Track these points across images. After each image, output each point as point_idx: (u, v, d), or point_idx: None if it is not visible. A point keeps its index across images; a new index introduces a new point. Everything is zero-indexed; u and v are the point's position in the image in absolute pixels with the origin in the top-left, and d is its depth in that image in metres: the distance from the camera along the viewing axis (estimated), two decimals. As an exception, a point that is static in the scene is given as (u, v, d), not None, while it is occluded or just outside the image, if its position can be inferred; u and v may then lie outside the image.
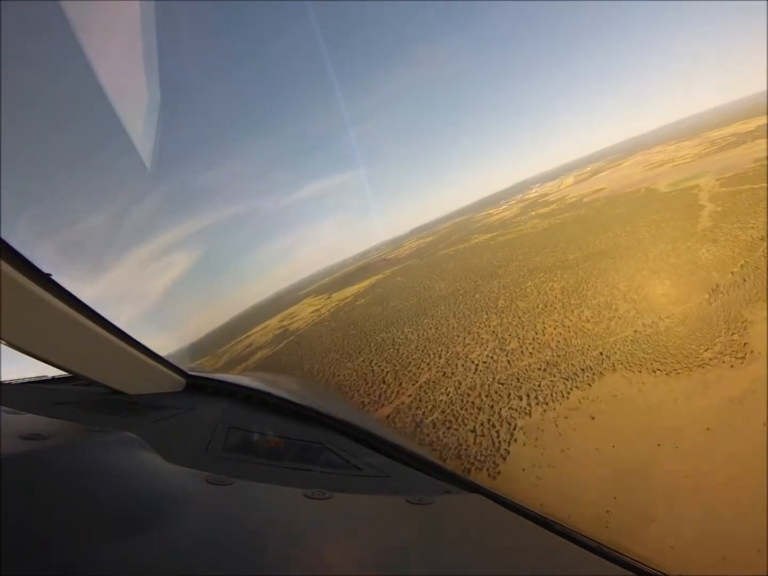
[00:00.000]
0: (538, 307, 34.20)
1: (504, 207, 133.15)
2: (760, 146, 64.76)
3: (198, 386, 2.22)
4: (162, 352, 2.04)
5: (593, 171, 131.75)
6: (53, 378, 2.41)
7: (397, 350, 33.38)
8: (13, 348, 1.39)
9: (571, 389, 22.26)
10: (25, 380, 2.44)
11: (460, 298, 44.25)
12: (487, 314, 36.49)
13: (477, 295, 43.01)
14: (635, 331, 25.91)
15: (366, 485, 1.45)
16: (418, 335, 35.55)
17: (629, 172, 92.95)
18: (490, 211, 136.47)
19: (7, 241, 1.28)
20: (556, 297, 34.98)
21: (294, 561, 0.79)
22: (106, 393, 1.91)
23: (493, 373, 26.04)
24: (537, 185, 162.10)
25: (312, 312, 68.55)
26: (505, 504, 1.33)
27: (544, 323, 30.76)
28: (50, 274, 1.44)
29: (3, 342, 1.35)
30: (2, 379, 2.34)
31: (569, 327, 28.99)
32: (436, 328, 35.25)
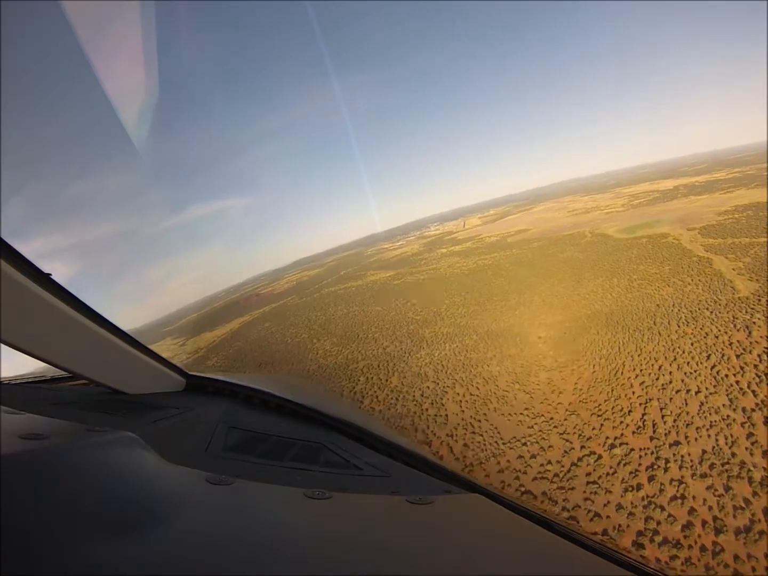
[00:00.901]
0: (565, 428, 14.98)
1: (401, 242, 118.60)
2: (703, 201, 58.77)
3: (198, 386, 2.18)
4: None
5: (499, 214, 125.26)
6: (53, 378, 2.36)
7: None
8: (13, 348, 1.38)
9: None
10: (25, 380, 2.40)
11: (373, 379, 23.67)
12: (435, 434, 16.29)
13: (404, 392, 22.64)
14: None
15: (366, 485, 1.43)
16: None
17: (548, 216, 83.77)
18: (385, 246, 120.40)
19: (7, 241, 1.28)
20: (599, 405, 16.23)
21: (294, 561, 0.78)
22: (106, 393, 1.88)
23: None
24: (435, 224, 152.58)
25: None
26: (505, 504, 1.32)
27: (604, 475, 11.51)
28: (50, 274, 1.41)
29: (3, 342, 1.33)
30: (2, 379, 2.37)
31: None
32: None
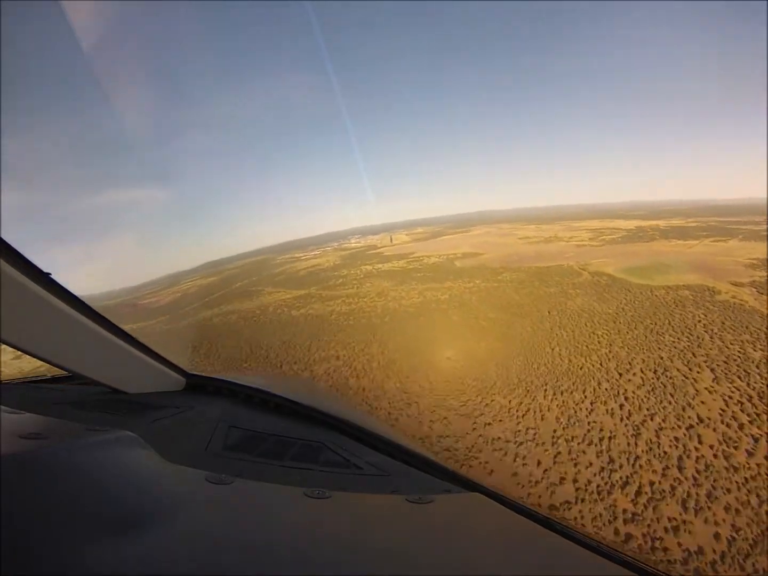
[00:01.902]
0: None
1: (316, 252, 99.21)
2: (699, 248, 47.12)
3: (198, 385, 2.13)
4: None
5: (430, 233, 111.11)
6: (53, 377, 2.30)
7: None
8: (13, 348, 1.37)
9: None
10: (25, 380, 2.39)
11: None
12: None
13: None
14: None
15: (366, 484, 1.41)
16: None
17: (495, 241, 69.72)
18: (297, 255, 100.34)
19: (7, 241, 1.27)
20: None
21: (294, 560, 0.77)
22: (106, 392, 1.85)
23: None
24: (356, 236, 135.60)
25: None
26: (505, 503, 1.29)
27: None
28: (50, 274, 1.40)
29: (3, 342, 1.31)
30: (2, 379, 2.36)
31: None
32: None
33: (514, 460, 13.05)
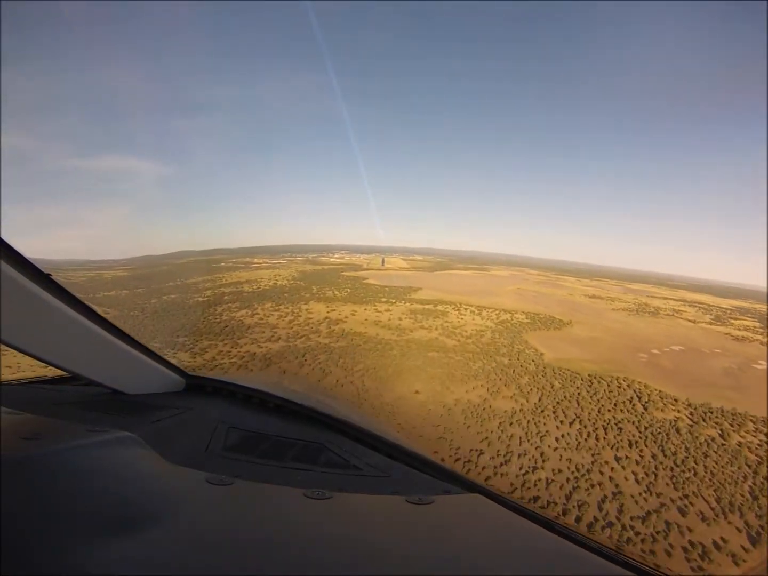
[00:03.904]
0: None
1: (277, 261, 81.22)
2: None
3: (198, 386, 2.09)
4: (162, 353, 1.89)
5: (434, 264, 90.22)
6: (53, 378, 2.22)
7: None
8: (13, 348, 1.33)
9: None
10: (25, 380, 2.27)
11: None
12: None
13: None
14: None
15: (366, 485, 1.37)
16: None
17: (551, 294, 49.42)
18: (255, 261, 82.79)
19: (7, 241, 1.23)
20: None
21: (294, 561, 0.76)
22: (106, 393, 1.80)
23: None
24: (342, 252, 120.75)
25: None
26: (505, 504, 1.27)
27: None
28: (50, 274, 1.37)
29: (3, 342, 1.27)
30: (2, 379, 2.30)
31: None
32: None
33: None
